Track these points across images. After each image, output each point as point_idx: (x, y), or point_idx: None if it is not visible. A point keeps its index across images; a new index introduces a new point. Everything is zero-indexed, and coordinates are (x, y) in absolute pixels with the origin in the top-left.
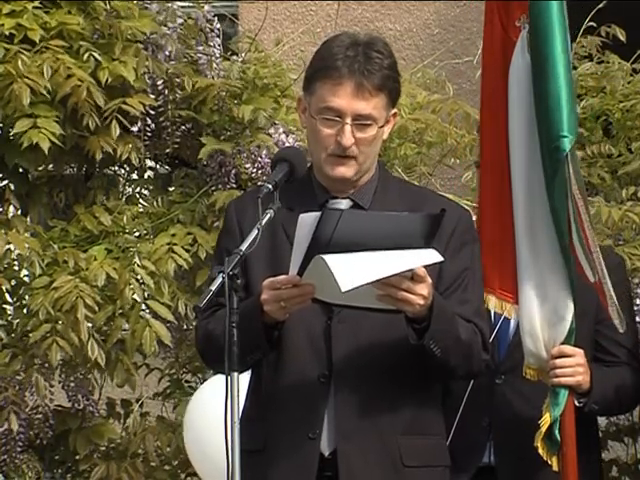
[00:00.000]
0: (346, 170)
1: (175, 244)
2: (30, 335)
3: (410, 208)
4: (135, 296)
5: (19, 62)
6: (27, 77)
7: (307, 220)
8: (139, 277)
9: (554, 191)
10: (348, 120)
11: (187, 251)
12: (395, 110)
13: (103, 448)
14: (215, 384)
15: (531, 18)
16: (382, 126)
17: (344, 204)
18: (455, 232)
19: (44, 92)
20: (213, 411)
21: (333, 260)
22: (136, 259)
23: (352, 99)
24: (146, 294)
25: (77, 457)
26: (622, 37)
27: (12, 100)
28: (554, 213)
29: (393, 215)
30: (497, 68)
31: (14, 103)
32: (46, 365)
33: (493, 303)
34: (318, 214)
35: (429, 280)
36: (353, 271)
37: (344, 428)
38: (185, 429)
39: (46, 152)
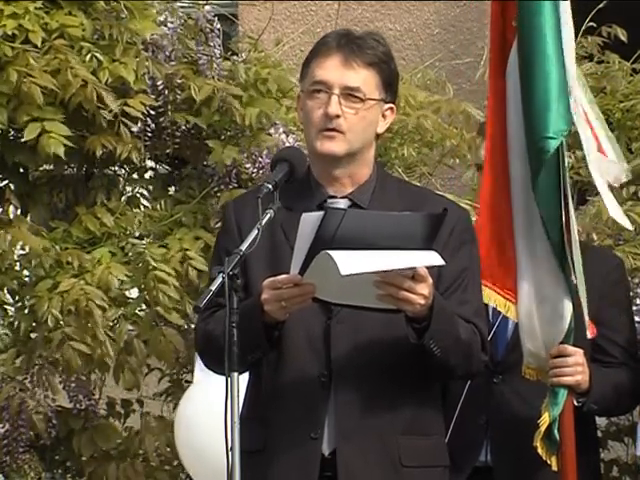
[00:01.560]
0: (334, 146)
1: (187, 249)
2: (31, 335)
3: (409, 208)
4: (166, 301)
5: (31, 61)
6: (32, 76)
7: (309, 219)
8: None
9: (538, 191)
10: (336, 91)
11: (201, 256)
12: (392, 105)
13: (103, 448)
14: (205, 384)
15: (519, 17)
16: (372, 105)
17: (342, 204)
18: (454, 231)
19: (51, 92)
20: (207, 409)
21: (335, 252)
22: (153, 263)
23: (340, 70)
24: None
25: (79, 458)
26: (623, 37)
27: (23, 102)
28: (541, 212)
29: (395, 215)
30: (499, 69)
31: (26, 106)
32: (46, 365)
33: (495, 302)
34: (321, 213)
35: (430, 280)
36: (354, 260)
37: (344, 428)
38: (176, 429)
39: (63, 157)
